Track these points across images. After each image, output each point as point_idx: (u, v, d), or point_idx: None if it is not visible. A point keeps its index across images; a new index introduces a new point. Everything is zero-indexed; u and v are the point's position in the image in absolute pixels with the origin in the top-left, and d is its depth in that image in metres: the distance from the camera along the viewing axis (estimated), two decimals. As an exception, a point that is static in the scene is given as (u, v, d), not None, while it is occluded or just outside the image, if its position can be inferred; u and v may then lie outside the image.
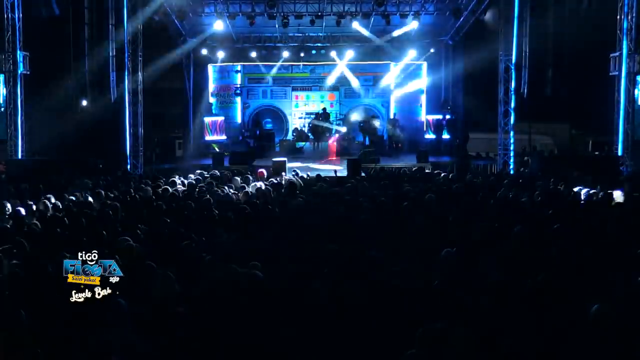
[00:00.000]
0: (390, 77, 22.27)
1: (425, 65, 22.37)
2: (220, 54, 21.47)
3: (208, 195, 9.71)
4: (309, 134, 21.57)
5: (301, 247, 6.47)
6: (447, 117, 21.23)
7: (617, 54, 15.80)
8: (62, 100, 19.09)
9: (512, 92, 16.51)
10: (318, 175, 13.08)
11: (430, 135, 21.74)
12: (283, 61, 21.76)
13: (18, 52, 16.08)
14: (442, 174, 13.37)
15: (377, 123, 21.25)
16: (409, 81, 22.34)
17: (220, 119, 21.75)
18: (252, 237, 7.03)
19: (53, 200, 9.27)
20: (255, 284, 5.10)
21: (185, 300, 4.91)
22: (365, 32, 19.43)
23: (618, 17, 15.64)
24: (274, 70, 22.17)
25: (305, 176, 13.43)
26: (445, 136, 21.15)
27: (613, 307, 4.11)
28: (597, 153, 17.44)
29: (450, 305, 4.62)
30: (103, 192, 10.39)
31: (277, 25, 19.02)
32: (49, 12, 17.96)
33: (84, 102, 19.79)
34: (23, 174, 13.44)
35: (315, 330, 4.33)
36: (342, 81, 22.58)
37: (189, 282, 5.29)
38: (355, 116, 22.14)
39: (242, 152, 19.16)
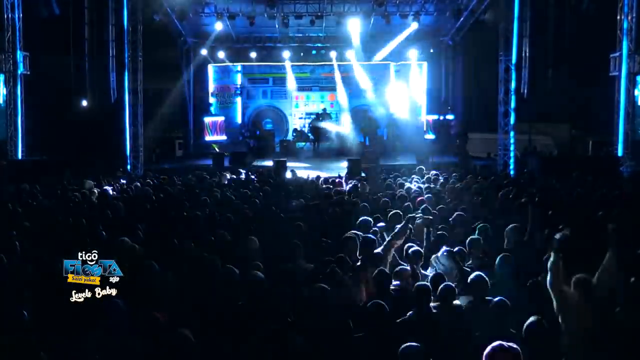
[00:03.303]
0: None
1: (425, 65, 22.37)
2: (221, 54, 21.47)
3: (206, 196, 9.71)
4: (309, 135, 21.57)
5: (301, 247, 6.46)
6: (447, 117, 21.24)
7: (617, 54, 15.79)
8: (62, 100, 19.10)
9: (512, 92, 16.48)
10: (317, 177, 13.06)
11: (429, 136, 21.74)
12: (279, 61, 21.72)
13: (18, 52, 16.09)
14: None
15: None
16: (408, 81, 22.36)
17: (220, 119, 21.75)
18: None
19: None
20: (255, 284, 5.10)
21: (185, 300, 4.91)
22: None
23: (618, 17, 15.64)
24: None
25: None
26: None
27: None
28: (599, 154, 17.38)
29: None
30: (104, 192, 10.40)
31: (277, 26, 19.02)
32: (49, 12, 17.94)
33: (84, 102, 19.79)
34: (23, 174, 13.42)
35: (314, 331, 4.33)
36: (343, 81, 22.59)
37: (190, 282, 5.29)
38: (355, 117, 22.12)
39: (242, 152, 19.15)
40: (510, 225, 6.70)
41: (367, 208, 8.40)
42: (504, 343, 3.11)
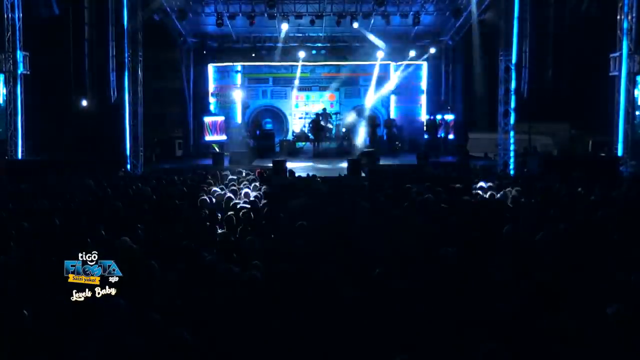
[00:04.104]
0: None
1: (425, 65, 22.37)
2: (220, 54, 21.47)
3: (205, 196, 9.71)
4: (309, 134, 21.56)
5: (300, 247, 6.46)
6: (447, 117, 21.25)
7: (617, 54, 15.80)
8: (62, 100, 19.12)
9: (512, 92, 16.48)
10: (314, 176, 13.05)
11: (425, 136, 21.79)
12: (277, 61, 21.72)
13: (18, 52, 16.10)
14: None
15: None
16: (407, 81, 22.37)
17: (220, 119, 21.75)
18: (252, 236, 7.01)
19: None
20: (254, 284, 5.10)
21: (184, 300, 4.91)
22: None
23: (618, 17, 15.65)
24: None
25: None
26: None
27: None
28: (602, 155, 17.34)
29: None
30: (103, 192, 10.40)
31: (277, 26, 19.03)
32: (49, 12, 17.95)
33: (84, 102, 19.80)
34: (23, 174, 13.43)
35: (312, 331, 4.33)
36: (343, 81, 22.61)
37: (189, 283, 5.29)
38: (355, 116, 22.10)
39: (242, 152, 19.16)
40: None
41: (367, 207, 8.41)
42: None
